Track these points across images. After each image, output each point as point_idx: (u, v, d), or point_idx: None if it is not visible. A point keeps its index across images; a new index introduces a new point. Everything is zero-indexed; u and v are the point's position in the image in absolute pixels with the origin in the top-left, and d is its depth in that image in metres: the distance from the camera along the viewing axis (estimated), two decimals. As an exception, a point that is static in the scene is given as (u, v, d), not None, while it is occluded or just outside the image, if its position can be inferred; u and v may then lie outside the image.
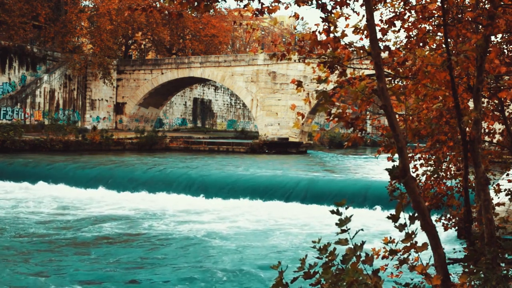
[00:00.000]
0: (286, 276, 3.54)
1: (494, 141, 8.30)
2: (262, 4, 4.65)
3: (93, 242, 14.19)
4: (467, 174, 6.41)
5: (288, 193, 20.71)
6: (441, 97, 5.78)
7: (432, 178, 7.75)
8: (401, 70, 5.62)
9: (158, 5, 46.41)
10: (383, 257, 4.47)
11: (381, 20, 6.05)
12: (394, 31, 6.29)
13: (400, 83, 6.22)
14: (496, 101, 7.18)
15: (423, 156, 7.92)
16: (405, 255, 4.05)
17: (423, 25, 6.06)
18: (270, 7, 4.71)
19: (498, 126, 8.33)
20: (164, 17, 51.83)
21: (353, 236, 3.59)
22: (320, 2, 4.47)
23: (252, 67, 44.12)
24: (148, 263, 12.35)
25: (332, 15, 4.52)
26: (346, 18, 4.90)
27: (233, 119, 72.63)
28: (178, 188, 22.03)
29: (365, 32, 5.04)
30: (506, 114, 7.47)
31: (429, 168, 7.88)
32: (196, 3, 4.32)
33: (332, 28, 4.52)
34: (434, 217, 5.92)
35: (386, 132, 5.45)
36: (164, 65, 48.19)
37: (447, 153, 7.69)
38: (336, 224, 3.62)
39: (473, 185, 6.30)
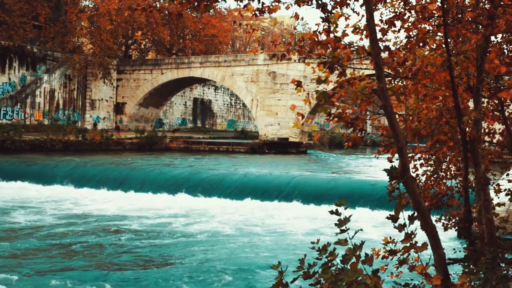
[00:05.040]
0: (287, 276, 3.54)
1: (494, 141, 8.29)
2: (263, 3, 4.65)
3: (92, 241, 14.20)
4: (467, 174, 6.41)
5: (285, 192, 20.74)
6: (441, 97, 5.78)
7: (432, 178, 7.74)
8: (401, 70, 5.62)
9: (158, 5, 46.41)
10: (383, 257, 4.47)
11: (381, 20, 6.05)
12: (394, 31, 6.28)
13: (400, 83, 6.21)
14: (496, 101, 7.18)
15: (423, 156, 7.91)
16: (405, 255, 4.05)
17: (423, 25, 6.05)
18: (271, 7, 4.71)
19: (498, 126, 8.33)
20: (164, 17, 51.83)
21: (353, 236, 3.59)
22: (320, 2, 4.47)
23: (252, 67, 44.11)
24: (148, 262, 12.35)
25: (332, 15, 4.52)
26: (346, 18, 4.90)
27: (233, 119, 72.62)
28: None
29: (365, 32, 5.04)
30: (506, 114, 7.47)
31: (429, 168, 7.87)
32: (196, 3, 4.31)
33: (332, 28, 4.52)
34: (434, 217, 5.92)
35: (386, 132, 5.45)
36: (164, 65, 48.18)
37: (447, 153, 7.68)
38: (336, 224, 3.62)
39: (473, 185, 6.29)
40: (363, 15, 4.33)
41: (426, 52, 5.71)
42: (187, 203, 20.12)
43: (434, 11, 5.70)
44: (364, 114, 6.37)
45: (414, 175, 7.13)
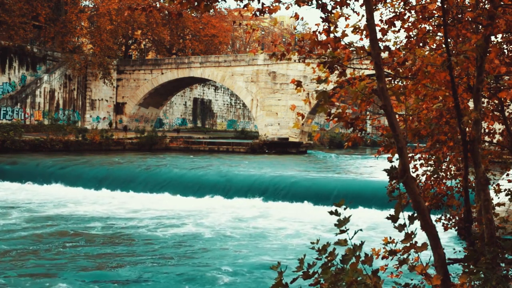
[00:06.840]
0: (287, 277, 3.54)
1: (494, 141, 8.29)
2: (263, 4, 4.64)
3: (92, 241, 14.19)
4: (467, 174, 6.41)
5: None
6: (441, 97, 5.78)
7: (432, 178, 7.75)
8: (401, 70, 5.62)
9: (158, 5, 46.40)
10: (383, 257, 4.47)
11: (381, 20, 6.05)
12: (394, 31, 6.28)
13: (400, 83, 6.21)
14: (496, 101, 7.17)
15: (423, 156, 7.92)
16: (405, 255, 4.05)
17: (423, 25, 6.06)
18: (271, 7, 4.71)
19: (498, 126, 8.32)
20: (164, 17, 51.83)
21: (352, 237, 3.59)
22: (320, 2, 4.47)
23: (252, 67, 44.10)
24: (149, 262, 12.34)
25: (332, 15, 4.51)
26: (346, 18, 4.90)
27: (233, 119, 72.61)
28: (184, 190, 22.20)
29: (365, 32, 5.03)
30: (506, 114, 7.47)
31: (429, 168, 7.87)
32: (196, 3, 4.31)
33: (332, 28, 4.52)
34: (434, 217, 5.92)
35: (386, 132, 5.44)
36: (164, 65, 48.17)
37: (447, 153, 7.68)
38: (335, 224, 3.62)
39: (473, 185, 6.29)
40: (363, 15, 4.33)
41: (426, 52, 5.71)
42: (184, 203, 20.13)
43: (434, 11, 5.70)
44: (364, 114, 6.37)
45: (414, 175, 7.12)
